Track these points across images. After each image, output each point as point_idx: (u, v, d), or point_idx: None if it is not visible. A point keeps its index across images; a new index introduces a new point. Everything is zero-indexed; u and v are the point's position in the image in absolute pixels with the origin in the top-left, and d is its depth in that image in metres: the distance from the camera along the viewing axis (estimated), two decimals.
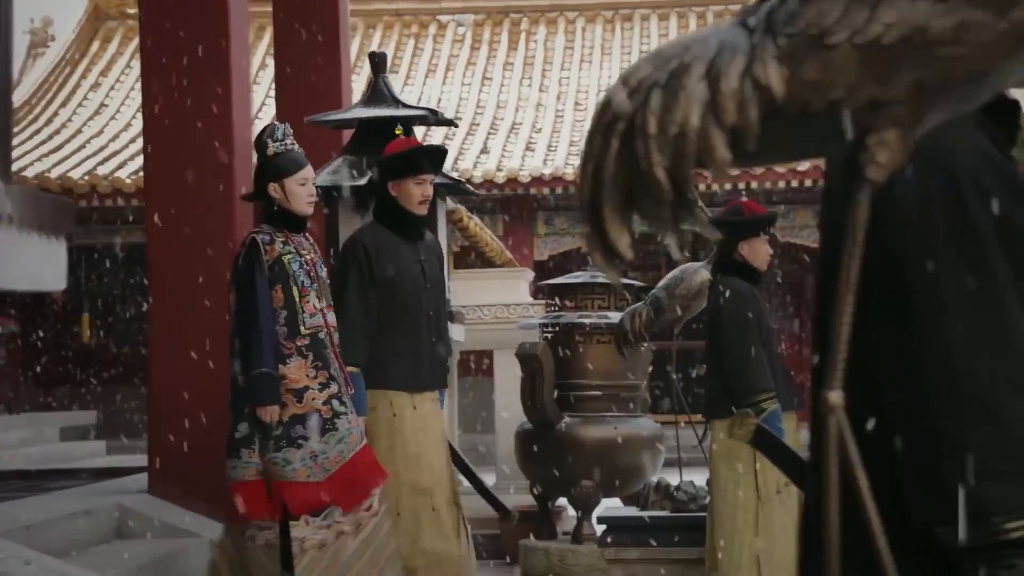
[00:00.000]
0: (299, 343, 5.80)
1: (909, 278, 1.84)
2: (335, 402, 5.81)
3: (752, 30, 1.60)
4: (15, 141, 23.23)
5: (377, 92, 7.51)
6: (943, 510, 1.79)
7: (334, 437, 5.78)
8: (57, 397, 21.92)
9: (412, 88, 26.67)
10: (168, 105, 7.08)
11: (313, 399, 5.77)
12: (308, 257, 5.95)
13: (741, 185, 21.87)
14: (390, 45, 28.26)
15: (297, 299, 5.84)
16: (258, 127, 6.43)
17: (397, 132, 6.78)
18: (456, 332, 7.86)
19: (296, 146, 5.99)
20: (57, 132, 24.77)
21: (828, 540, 1.58)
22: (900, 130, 1.55)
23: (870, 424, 1.92)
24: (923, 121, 1.58)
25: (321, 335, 5.86)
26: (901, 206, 1.85)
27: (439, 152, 6.69)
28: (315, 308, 5.87)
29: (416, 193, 6.33)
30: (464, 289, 8.91)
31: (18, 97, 26.39)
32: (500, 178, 22.12)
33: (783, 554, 6.13)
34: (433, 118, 7.59)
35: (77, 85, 26.96)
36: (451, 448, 6.61)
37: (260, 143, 5.99)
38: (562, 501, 9.37)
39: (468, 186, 8.27)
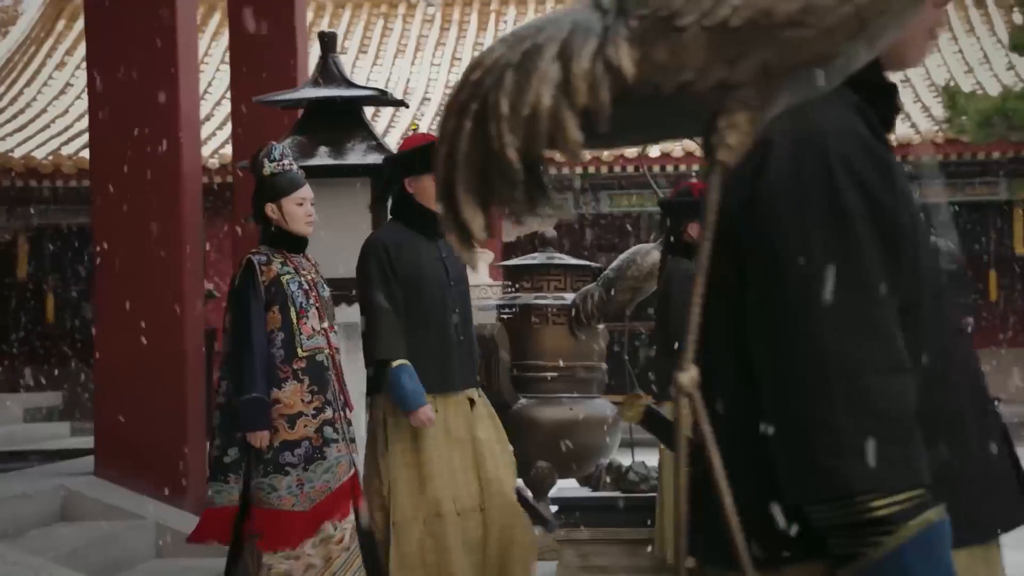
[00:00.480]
0: (296, 366, 5.71)
1: (781, 261, 1.85)
2: (327, 429, 5.71)
3: (606, 12, 1.59)
4: None
5: (327, 72, 7.47)
6: (812, 489, 1.81)
7: (321, 466, 5.68)
8: (23, 378, 21.85)
9: (381, 69, 26.64)
10: (112, 83, 7.04)
11: (305, 426, 5.67)
12: (308, 277, 5.88)
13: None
14: (359, 26, 28.21)
15: (295, 320, 5.75)
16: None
17: (414, 127, 6.76)
18: None
19: (294, 166, 5.95)
20: (21, 111, 24.65)
21: (678, 518, 1.59)
22: (749, 112, 1.55)
23: (739, 406, 1.94)
24: (772, 103, 1.57)
25: (320, 357, 5.78)
26: (774, 190, 1.86)
27: None
28: (313, 330, 5.78)
29: (433, 189, 6.17)
30: None
31: None
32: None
33: None
34: (383, 98, 7.55)
35: (42, 64, 26.83)
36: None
37: (256, 163, 5.90)
38: (519, 483, 9.38)
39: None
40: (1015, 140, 19.15)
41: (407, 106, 8.87)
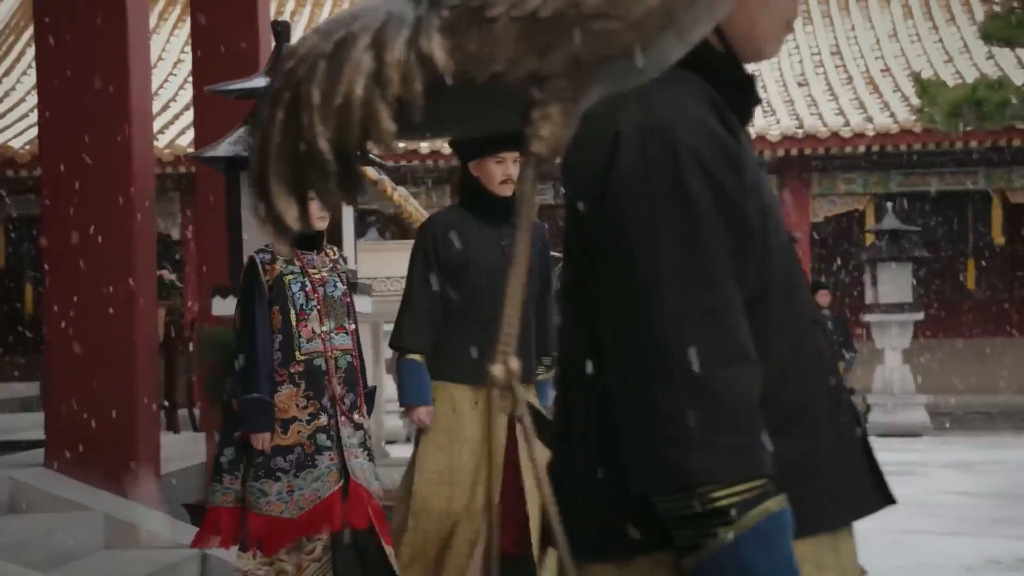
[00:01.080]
0: (292, 370, 5.57)
1: (628, 252, 1.85)
2: (320, 436, 5.56)
3: (419, 2, 1.58)
4: None
5: (280, 61, 7.44)
6: (655, 480, 1.81)
7: (311, 474, 5.54)
8: (1, 368, 21.81)
9: None
10: (61, 73, 7.02)
11: (299, 432, 5.54)
12: (318, 276, 5.70)
13: None
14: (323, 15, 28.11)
15: (294, 323, 5.60)
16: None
17: None
18: (363, 304, 7.83)
19: None
20: (0, 100, 24.59)
21: (495, 502, 1.59)
22: (562, 104, 1.54)
23: (593, 397, 1.95)
24: (585, 95, 1.56)
25: (318, 361, 5.61)
26: (622, 181, 1.86)
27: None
28: (314, 332, 5.61)
29: (497, 173, 5.81)
30: (372, 260, 8.88)
31: None
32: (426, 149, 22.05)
33: None
34: None
35: (22, 53, 26.75)
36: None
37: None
38: None
39: (380, 160, 8.23)
40: (989, 129, 19.17)
41: None
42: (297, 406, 5.53)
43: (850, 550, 2.08)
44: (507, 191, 5.82)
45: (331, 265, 5.79)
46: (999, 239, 22.46)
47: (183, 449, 9.69)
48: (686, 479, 1.79)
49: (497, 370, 1.55)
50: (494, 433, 5.56)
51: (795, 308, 2.04)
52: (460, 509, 5.65)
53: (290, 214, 1.57)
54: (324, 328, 5.62)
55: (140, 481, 7.20)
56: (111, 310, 6.93)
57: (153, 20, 26.86)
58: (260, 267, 5.62)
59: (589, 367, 1.95)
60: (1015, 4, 14.50)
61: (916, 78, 15.91)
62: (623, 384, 1.87)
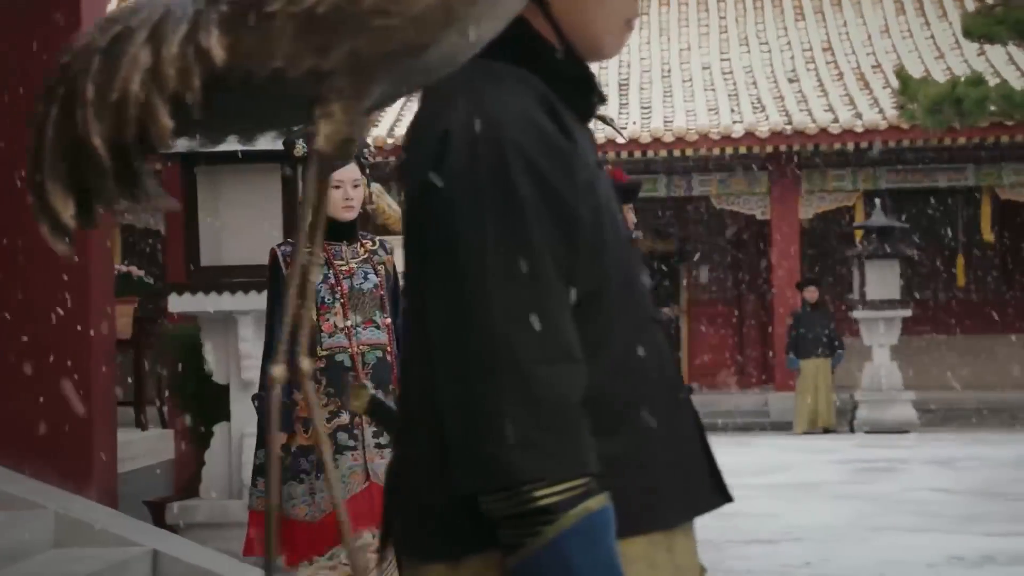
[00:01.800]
0: (313, 366, 5.44)
1: (455, 249, 1.85)
2: (341, 435, 5.30)
3: None
4: None
5: None
6: (479, 479, 1.80)
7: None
8: None
9: None
10: (8, 60, 6.97)
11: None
12: (345, 267, 5.42)
13: (676, 152, 21.85)
14: None
15: (315, 317, 5.30)
16: None
17: None
18: None
19: None
20: None
21: (270, 500, 1.56)
22: (344, 102, 1.51)
23: (424, 393, 1.94)
24: (368, 93, 1.53)
25: (340, 357, 5.32)
26: (449, 178, 1.85)
27: None
28: (336, 327, 5.34)
29: None
30: None
31: None
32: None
33: None
34: None
35: None
36: None
37: (287, 143, 5.46)
38: None
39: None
40: (978, 126, 19.13)
41: None
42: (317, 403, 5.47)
43: (686, 548, 2.06)
44: None
45: (365, 256, 5.48)
46: (988, 236, 22.41)
47: (150, 446, 9.67)
48: (508, 478, 1.78)
49: (277, 370, 1.52)
50: None
51: (631, 306, 2.03)
52: None
53: (66, 212, 1.54)
54: (348, 322, 5.35)
55: (94, 478, 7.17)
56: (64, 304, 6.89)
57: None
58: (281, 260, 5.40)
59: (422, 365, 1.94)
60: (994, 1, 14.46)
61: (898, 74, 15.86)
62: (447, 382, 1.86)
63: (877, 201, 20.85)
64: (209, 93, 1.52)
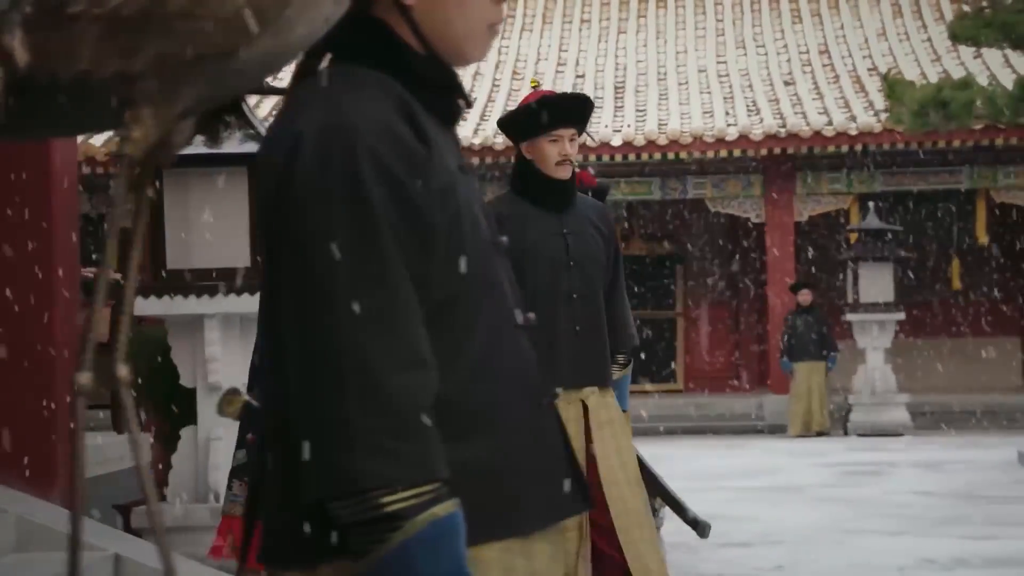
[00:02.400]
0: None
1: (305, 253, 1.85)
2: None
3: None
4: None
5: None
6: (327, 485, 1.80)
7: None
8: None
9: None
10: None
11: None
12: None
13: (670, 155, 21.83)
14: None
15: None
16: None
17: (533, 84, 5.44)
18: None
19: None
20: None
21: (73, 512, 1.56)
22: (153, 106, 1.51)
23: (276, 401, 1.94)
24: (178, 97, 1.53)
25: None
26: (301, 181, 1.85)
27: (577, 102, 5.40)
28: None
29: (552, 153, 5.20)
30: None
31: None
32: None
33: None
34: (261, 88, 7.47)
35: None
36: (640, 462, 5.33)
37: None
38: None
39: None
40: (973, 128, 19.10)
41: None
42: None
43: (545, 555, 2.06)
44: (564, 173, 5.24)
45: None
46: (983, 238, 22.37)
47: (126, 450, 9.66)
48: (355, 484, 1.79)
49: (82, 378, 1.52)
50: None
51: (493, 311, 2.03)
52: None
53: None
54: None
55: (60, 482, 7.16)
56: (27, 307, 6.88)
57: None
58: None
59: (275, 372, 1.94)
60: (984, 4, 14.43)
61: (884, 77, 15.84)
62: (297, 388, 1.86)
63: (870, 204, 20.82)
64: (13, 94, 1.52)
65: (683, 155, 21.91)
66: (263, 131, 7.51)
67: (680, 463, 15.82)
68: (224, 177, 7.30)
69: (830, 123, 21.68)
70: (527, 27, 27.56)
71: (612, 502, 4.98)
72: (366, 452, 1.79)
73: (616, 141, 21.82)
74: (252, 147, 7.29)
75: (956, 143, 21.04)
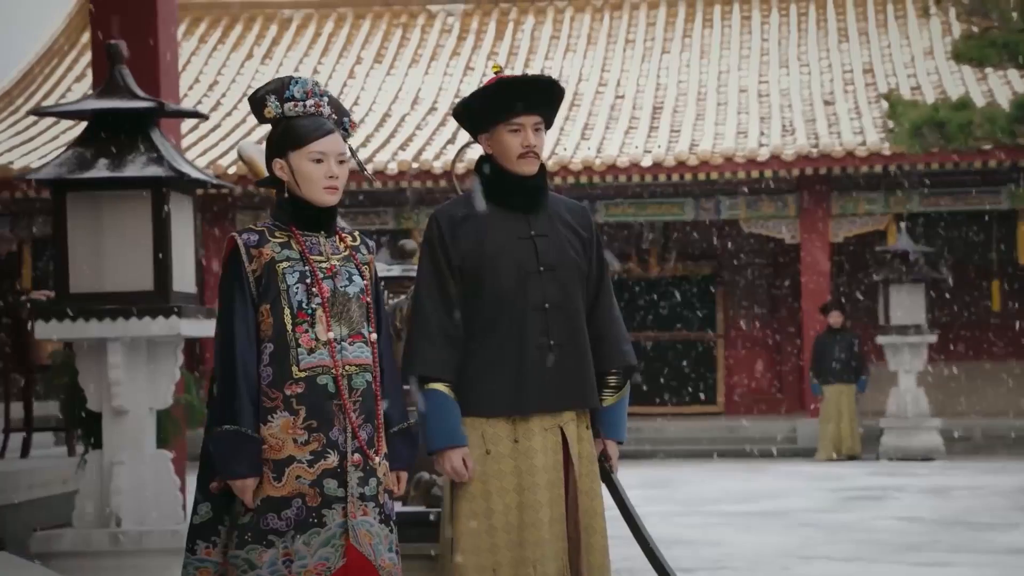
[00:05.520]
0: (288, 392, 4.13)
1: None
2: (329, 483, 4.12)
3: None
4: None
5: (112, 83, 7.47)
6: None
7: (318, 537, 4.09)
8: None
9: (393, 79, 26.67)
10: None
11: (298, 477, 4.10)
12: (325, 265, 4.26)
13: (701, 176, 21.66)
14: (377, 36, 28.28)
15: (290, 327, 4.16)
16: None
17: (495, 69, 4.73)
18: None
19: (318, 109, 4.26)
20: (35, 123, 24.95)
21: None
22: None
23: None
24: None
25: (323, 380, 4.15)
26: None
27: (539, 85, 4.70)
28: (317, 341, 4.17)
29: (514, 144, 4.61)
30: None
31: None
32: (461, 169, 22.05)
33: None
34: (164, 111, 7.51)
35: (63, 76, 27.17)
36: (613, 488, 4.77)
37: (256, 101, 4.30)
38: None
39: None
40: (1013, 147, 18.79)
41: (206, 118, 8.76)
42: (295, 442, 4.11)
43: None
44: (529, 168, 4.64)
45: (346, 253, 4.32)
46: None
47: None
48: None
49: None
50: (539, 477, 4.41)
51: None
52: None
53: None
54: (332, 335, 4.18)
55: None
56: None
57: None
58: (244, 251, 4.22)
59: None
60: (994, 23, 14.18)
61: (885, 97, 15.62)
62: None
63: (902, 224, 20.52)
64: None
65: (714, 176, 21.73)
66: (166, 155, 7.54)
67: (683, 487, 15.70)
68: (128, 200, 7.31)
69: (864, 143, 21.42)
70: (571, 48, 27.51)
71: (589, 551, 4.59)
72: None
73: (647, 162, 21.70)
74: (155, 171, 7.33)
75: (993, 163, 20.70)
